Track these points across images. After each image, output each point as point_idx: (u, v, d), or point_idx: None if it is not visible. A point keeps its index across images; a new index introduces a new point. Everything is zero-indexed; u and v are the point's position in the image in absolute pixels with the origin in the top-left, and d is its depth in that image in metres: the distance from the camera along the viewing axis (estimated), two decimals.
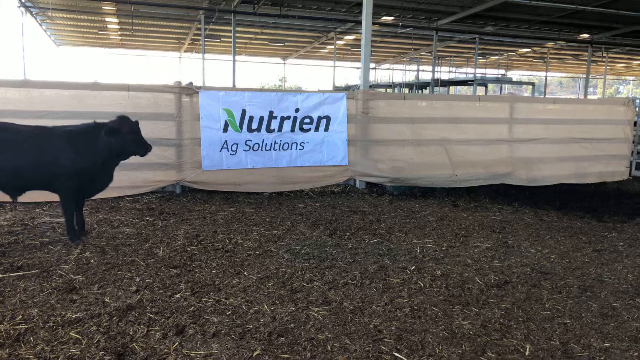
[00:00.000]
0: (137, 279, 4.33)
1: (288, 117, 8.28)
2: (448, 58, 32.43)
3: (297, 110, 8.32)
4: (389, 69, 40.90)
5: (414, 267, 4.80)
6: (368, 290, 4.23)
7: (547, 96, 38.95)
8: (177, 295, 4.01)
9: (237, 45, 28.81)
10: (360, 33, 29.68)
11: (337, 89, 34.80)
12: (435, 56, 24.14)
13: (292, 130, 8.31)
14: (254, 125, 8.10)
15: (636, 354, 3.32)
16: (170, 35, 32.83)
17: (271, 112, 8.19)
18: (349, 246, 5.48)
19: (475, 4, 20.10)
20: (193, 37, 32.44)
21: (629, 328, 3.65)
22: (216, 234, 5.85)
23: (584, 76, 56.27)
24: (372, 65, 44.18)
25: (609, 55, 37.80)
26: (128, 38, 33.41)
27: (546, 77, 40.08)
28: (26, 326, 3.40)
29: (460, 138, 9.18)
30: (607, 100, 15.85)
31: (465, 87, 29.30)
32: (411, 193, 8.75)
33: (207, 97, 7.80)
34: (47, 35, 33.73)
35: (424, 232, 6.20)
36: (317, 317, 3.71)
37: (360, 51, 33.70)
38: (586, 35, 27.52)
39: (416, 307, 3.89)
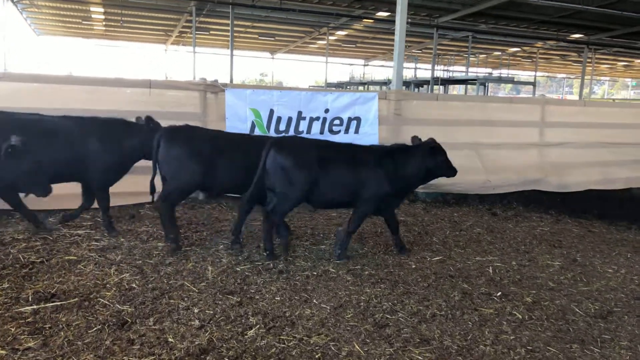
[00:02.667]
0: (196, 310, 3.73)
1: (317, 118, 7.72)
2: (447, 57, 32.12)
3: (326, 111, 7.76)
4: (382, 66, 40.46)
5: (499, 293, 4.32)
6: (463, 324, 3.72)
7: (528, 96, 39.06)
8: (251, 333, 3.44)
9: (226, 39, 27.98)
10: (355, 29, 29.16)
11: (329, 85, 34.27)
12: (436, 54, 23.76)
13: (321, 132, 7.74)
14: (282, 127, 7.51)
15: None
16: (158, 27, 31.75)
17: (300, 113, 7.61)
18: (413, 266, 4.97)
19: (478, 2, 19.76)
20: (181, 30, 31.46)
21: None
22: (260, 249, 5.26)
23: (564, 76, 57.03)
24: (362, 61, 43.78)
25: (596, 56, 38.21)
26: (112, 29, 32.21)
27: (535, 76, 40.22)
28: None
29: (492, 142, 8.76)
30: (631, 103, 15.73)
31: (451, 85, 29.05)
32: (444, 200, 8.29)
33: (233, 95, 7.18)
34: (27, 25, 32.29)
35: (483, 248, 5.72)
36: None
37: (351, 47, 33.07)
38: (579, 36, 27.57)
39: (529, 347, 3.41)
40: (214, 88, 7.07)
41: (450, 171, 5.21)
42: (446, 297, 4.19)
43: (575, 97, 50.35)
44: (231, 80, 20.83)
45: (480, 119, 8.76)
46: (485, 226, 6.78)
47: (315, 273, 4.64)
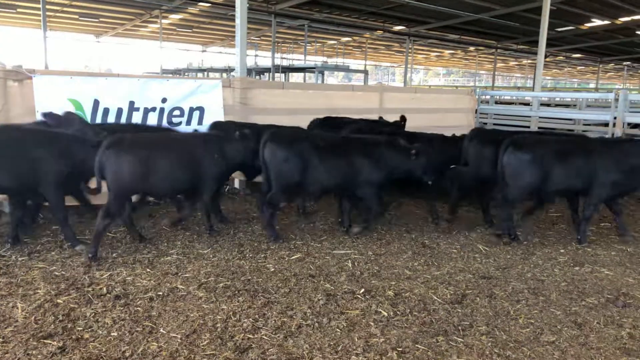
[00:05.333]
0: None
1: (153, 109, 6.87)
2: (285, 45, 32.26)
3: (164, 100, 6.94)
4: (220, 52, 39.19)
5: (362, 289, 4.16)
6: (331, 332, 3.45)
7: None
8: None
9: (38, 18, 24.19)
10: (190, 13, 27.60)
11: (164, 72, 32.05)
12: (275, 41, 23.60)
13: (159, 124, 6.90)
14: (111, 119, 6.51)
15: None
16: None
17: (132, 103, 6.69)
18: (272, 269, 4.59)
19: None
20: None
21: (608, 338, 3.56)
22: (90, 269, 4.39)
23: (389, 65, 62.36)
24: (199, 47, 41.90)
25: (415, 47, 42.20)
26: None
27: (365, 64, 42.93)
28: None
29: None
30: (455, 90, 17.35)
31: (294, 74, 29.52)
32: None
33: (45, 83, 5.96)
34: None
35: (338, 239, 5.55)
36: None
37: (188, 32, 31.24)
38: (402, 28, 29.98)
39: (399, 348, 3.27)
40: (18, 75, 5.78)
41: None
42: (310, 302, 3.90)
43: (399, 84, 54.95)
44: (46, 67, 18.00)
45: (324, 107, 8.70)
46: (336, 214, 6.70)
47: (160, 293, 3.97)
